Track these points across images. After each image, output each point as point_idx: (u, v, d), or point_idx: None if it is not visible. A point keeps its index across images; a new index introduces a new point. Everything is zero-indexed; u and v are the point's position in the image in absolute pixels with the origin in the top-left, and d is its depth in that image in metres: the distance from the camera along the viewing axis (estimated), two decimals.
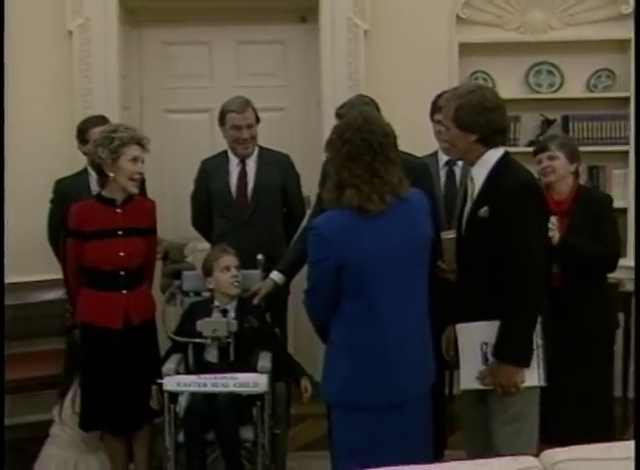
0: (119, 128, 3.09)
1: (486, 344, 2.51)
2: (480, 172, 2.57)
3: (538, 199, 2.52)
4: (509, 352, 2.46)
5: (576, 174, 3.39)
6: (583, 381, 3.18)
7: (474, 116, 2.51)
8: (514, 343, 2.46)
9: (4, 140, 3.68)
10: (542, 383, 2.51)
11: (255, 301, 3.18)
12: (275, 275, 3.24)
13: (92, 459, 3.29)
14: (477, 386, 2.56)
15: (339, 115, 3.17)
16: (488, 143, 2.55)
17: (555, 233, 3.10)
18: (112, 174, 3.04)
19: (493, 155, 2.55)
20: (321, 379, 2.58)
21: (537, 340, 2.48)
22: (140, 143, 3.07)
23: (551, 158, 3.25)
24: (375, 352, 2.45)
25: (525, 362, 2.47)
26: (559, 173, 3.25)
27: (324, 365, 2.56)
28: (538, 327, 2.48)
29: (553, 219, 3.11)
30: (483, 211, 2.51)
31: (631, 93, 4.27)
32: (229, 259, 3.18)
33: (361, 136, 2.43)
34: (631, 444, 2.00)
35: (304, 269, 3.60)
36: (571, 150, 3.30)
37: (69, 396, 3.27)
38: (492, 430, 2.56)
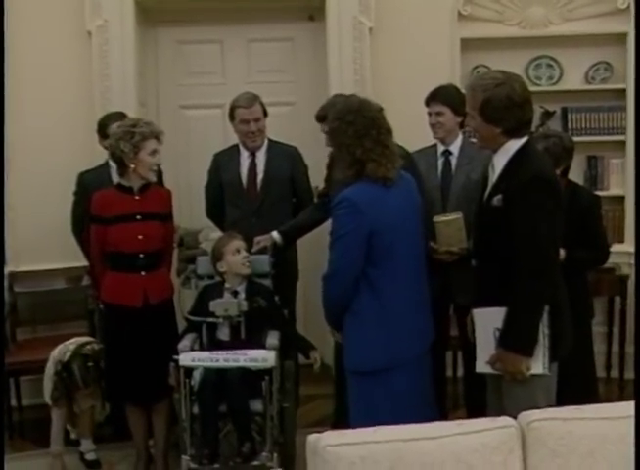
0: (139, 123, 3.24)
1: (499, 330, 2.50)
2: (500, 160, 2.57)
3: (550, 192, 2.46)
4: (513, 340, 2.46)
5: (564, 173, 3.34)
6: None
7: (501, 110, 2.47)
8: (518, 332, 2.46)
9: (4, 138, 3.85)
10: (547, 371, 2.48)
11: (253, 250, 3.43)
12: (275, 234, 3.54)
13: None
14: (489, 370, 2.56)
15: (319, 117, 3.35)
16: (513, 135, 2.54)
17: None
18: (132, 166, 3.21)
19: (515, 144, 2.53)
20: (346, 350, 2.69)
21: (544, 329, 2.46)
22: (157, 137, 3.25)
23: None
24: (402, 316, 2.63)
25: (527, 352, 2.45)
26: None
27: (348, 336, 2.68)
28: (545, 316, 2.45)
29: None
30: (497, 199, 2.52)
31: (629, 85, 4.34)
32: (238, 243, 3.33)
33: (362, 114, 2.63)
34: (604, 406, 2.17)
35: (314, 256, 3.81)
36: (553, 156, 3.17)
37: None
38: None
